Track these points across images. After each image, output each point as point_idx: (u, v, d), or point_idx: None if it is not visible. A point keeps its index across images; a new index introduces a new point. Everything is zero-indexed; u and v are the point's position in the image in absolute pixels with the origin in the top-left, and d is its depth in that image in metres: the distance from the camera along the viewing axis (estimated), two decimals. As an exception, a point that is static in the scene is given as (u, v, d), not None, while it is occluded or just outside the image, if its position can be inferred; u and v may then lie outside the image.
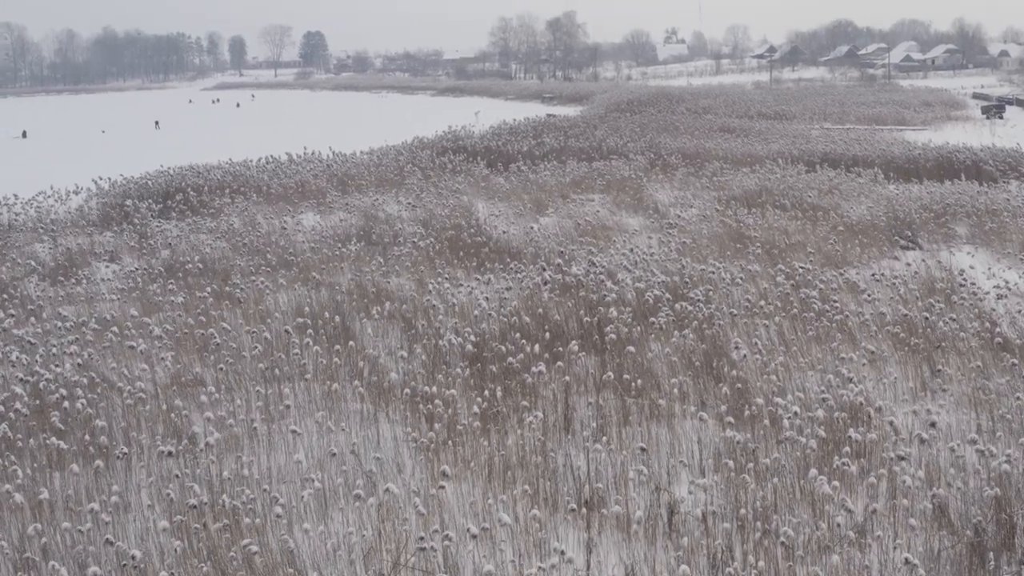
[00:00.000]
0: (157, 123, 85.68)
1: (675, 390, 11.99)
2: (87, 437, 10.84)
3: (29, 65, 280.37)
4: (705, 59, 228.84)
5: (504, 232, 22.45)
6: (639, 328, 14.14)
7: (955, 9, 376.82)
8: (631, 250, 18.84)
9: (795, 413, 10.35)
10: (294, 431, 10.67)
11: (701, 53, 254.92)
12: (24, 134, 77.53)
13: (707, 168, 34.04)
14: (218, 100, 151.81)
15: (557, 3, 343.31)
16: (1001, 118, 67.31)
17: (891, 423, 10.18)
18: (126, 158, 48.58)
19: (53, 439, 10.50)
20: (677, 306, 14.85)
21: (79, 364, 13.05)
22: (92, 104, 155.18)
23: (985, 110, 70.69)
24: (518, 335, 13.46)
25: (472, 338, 13.42)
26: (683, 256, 19.48)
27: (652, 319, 14.20)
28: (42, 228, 25.65)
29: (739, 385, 11.97)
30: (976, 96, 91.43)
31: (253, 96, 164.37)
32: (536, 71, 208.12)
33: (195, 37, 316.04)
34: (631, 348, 12.86)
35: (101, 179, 32.65)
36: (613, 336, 13.28)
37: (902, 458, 9.38)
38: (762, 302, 15.48)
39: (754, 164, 35.13)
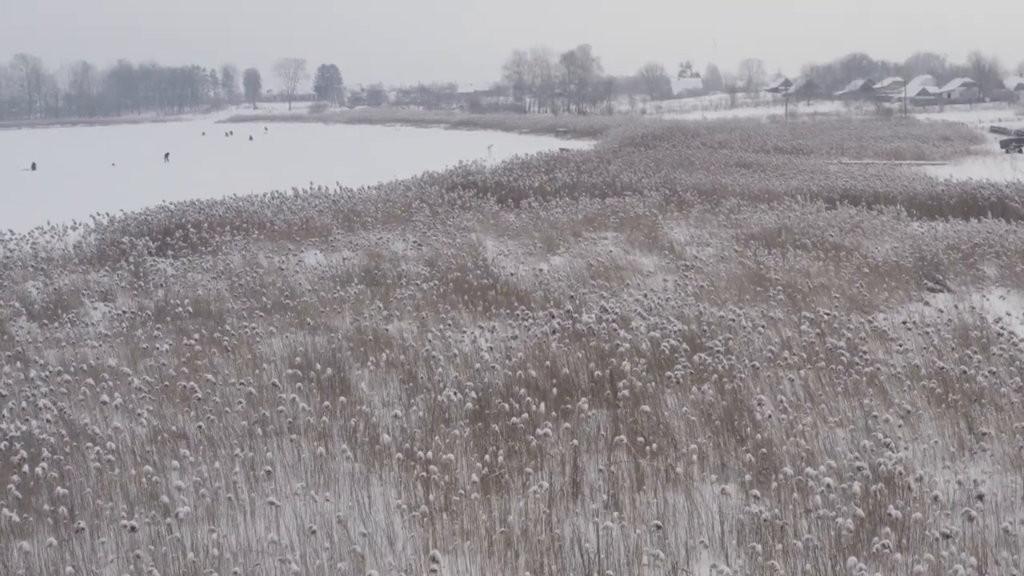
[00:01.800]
0: (167, 156, 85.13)
1: (694, 456, 10.95)
2: (46, 506, 9.86)
3: (44, 97, 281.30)
4: (720, 93, 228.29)
5: (512, 274, 21.44)
6: (654, 383, 13.11)
7: (970, 43, 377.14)
8: (645, 295, 17.79)
9: (828, 486, 9.32)
10: (272, 503, 9.67)
11: (715, 87, 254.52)
12: (33, 166, 77.14)
13: (724, 205, 33.05)
14: (231, 133, 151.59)
15: (571, 37, 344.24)
16: (1021, 152, 66.33)
17: (936, 498, 9.17)
18: (132, 192, 47.86)
19: (4, 510, 9.49)
20: (695, 357, 13.81)
21: (48, 420, 12.05)
22: (105, 136, 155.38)
23: (1004, 144, 69.69)
24: (523, 391, 12.45)
25: (473, 395, 12.38)
26: (700, 300, 18.49)
27: (668, 373, 13.15)
28: (32, 266, 24.73)
29: (763, 449, 10.94)
30: (994, 130, 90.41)
31: (266, 129, 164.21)
32: (550, 104, 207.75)
33: (210, 70, 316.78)
34: (646, 407, 11.81)
35: (99, 214, 31.79)
36: (626, 393, 12.24)
37: (947, 535, 8.38)
38: (785, 352, 14.45)
39: (772, 200, 34.13)
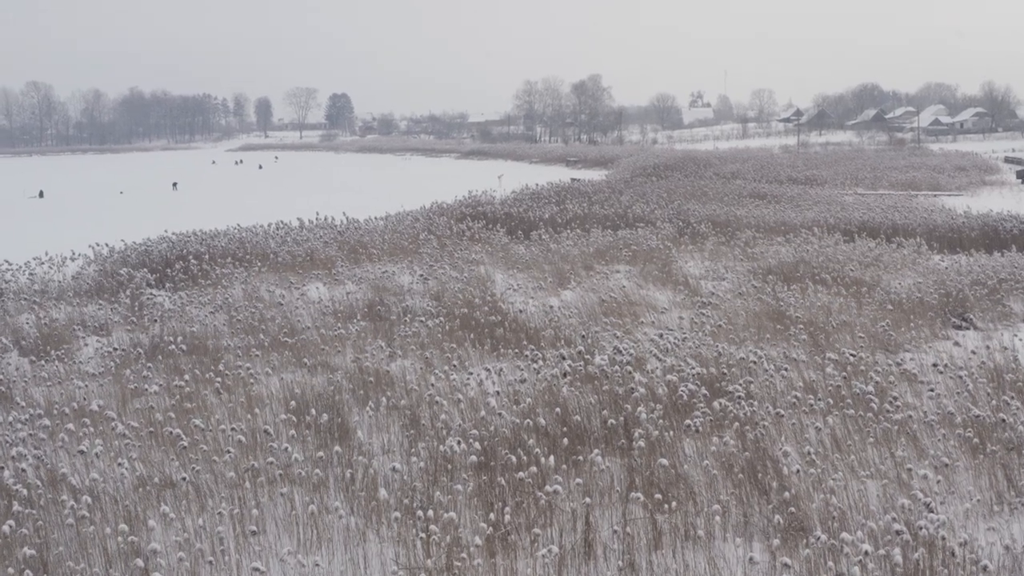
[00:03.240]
0: (175, 184, 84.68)
1: (716, 517, 10.11)
2: (10, 570, 9.06)
3: (55, 124, 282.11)
4: (731, 123, 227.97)
5: (521, 311, 20.60)
6: (671, 431, 12.27)
7: (982, 72, 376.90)
8: (661, 335, 16.92)
9: (866, 553, 8.49)
10: (257, 569, 8.84)
11: (727, 117, 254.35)
12: (41, 194, 76.75)
13: (739, 237, 32.24)
14: (241, 161, 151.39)
15: (583, 66, 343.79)
16: (1038, 181, 65.57)
17: (985, 568, 8.33)
18: (138, 221, 47.37)
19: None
20: (715, 403, 12.95)
21: (23, 469, 11.24)
22: (115, 164, 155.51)
23: (1020, 175, 68.81)
24: (532, 440, 11.62)
25: (478, 446, 11.54)
26: (718, 339, 17.67)
27: (688, 421, 12.30)
28: (24, 299, 23.98)
29: (792, 508, 10.10)
30: (1008, 160, 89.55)
31: (276, 157, 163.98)
32: (561, 134, 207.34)
33: (221, 98, 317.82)
34: (664, 461, 10.96)
35: (98, 245, 31.08)
36: (642, 444, 11.39)
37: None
38: (810, 397, 13.60)
39: (788, 233, 33.31)
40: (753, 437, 12.10)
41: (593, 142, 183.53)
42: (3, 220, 56.12)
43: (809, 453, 11.34)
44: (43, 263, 28.70)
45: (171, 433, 12.34)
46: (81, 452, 11.56)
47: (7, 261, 28.16)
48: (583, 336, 17.55)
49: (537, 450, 11.19)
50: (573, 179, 66.97)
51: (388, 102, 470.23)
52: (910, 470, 10.98)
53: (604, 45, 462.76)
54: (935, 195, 55.65)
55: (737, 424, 12.40)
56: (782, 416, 12.82)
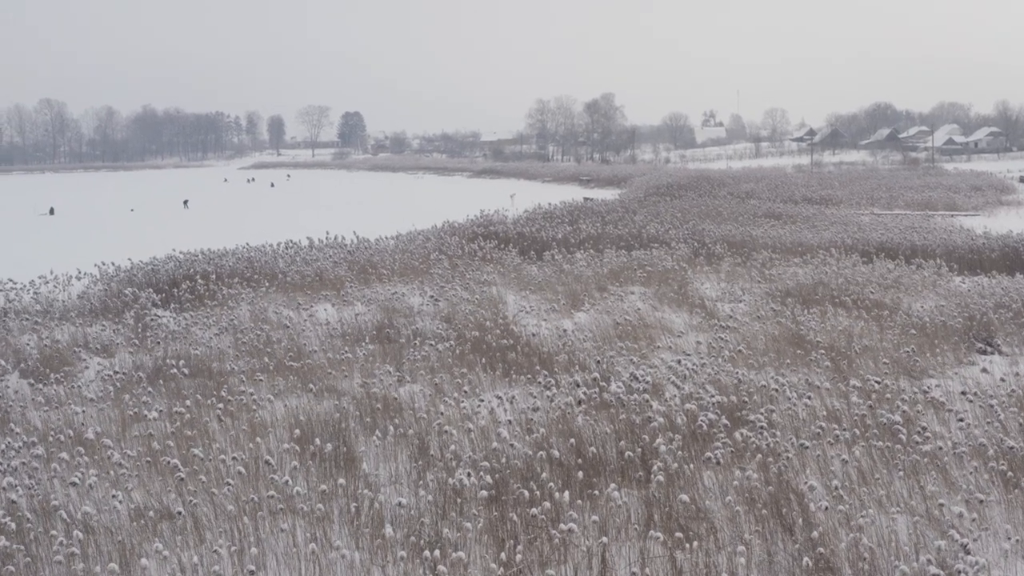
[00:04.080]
0: (186, 202, 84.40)
1: (740, 558, 9.56)
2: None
3: (68, 141, 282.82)
4: (743, 142, 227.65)
5: (534, 334, 20.06)
6: (691, 465, 11.73)
7: (996, 92, 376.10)
8: (679, 360, 16.36)
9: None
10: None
11: (739, 136, 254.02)
12: (52, 211, 76.48)
13: (755, 258, 31.66)
14: (253, 179, 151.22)
15: (595, 85, 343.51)
16: (1055, 202, 64.95)
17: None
18: (147, 239, 47.17)
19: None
20: (737, 434, 12.40)
21: (13, 501, 10.73)
22: (127, 181, 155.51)
23: (1037, 195, 68.28)
24: (545, 474, 11.08)
25: (488, 479, 10.99)
26: (737, 364, 17.12)
27: (708, 453, 11.74)
28: (27, 318, 23.53)
29: (821, 549, 9.55)
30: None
31: (288, 176, 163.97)
32: (573, 153, 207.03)
33: (234, 116, 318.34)
34: (684, 497, 10.41)
35: (104, 263, 30.67)
36: (661, 478, 10.85)
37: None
38: (834, 427, 13.03)
39: (805, 254, 32.73)
40: (776, 470, 11.56)
41: (606, 161, 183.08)
42: (12, 237, 55.91)
43: (836, 488, 10.79)
44: (48, 282, 28.32)
45: (169, 463, 11.82)
46: (72, 484, 11.04)
47: (11, 280, 27.77)
48: (598, 361, 17.03)
49: (551, 484, 10.67)
50: (586, 198, 66.51)
51: (400, 121, 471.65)
52: (942, 506, 10.45)
53: (617, 64, 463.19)
54: (952, 215, 55.02)
55: (760, 456, 11.86)
56: (806, 447, 12.27)
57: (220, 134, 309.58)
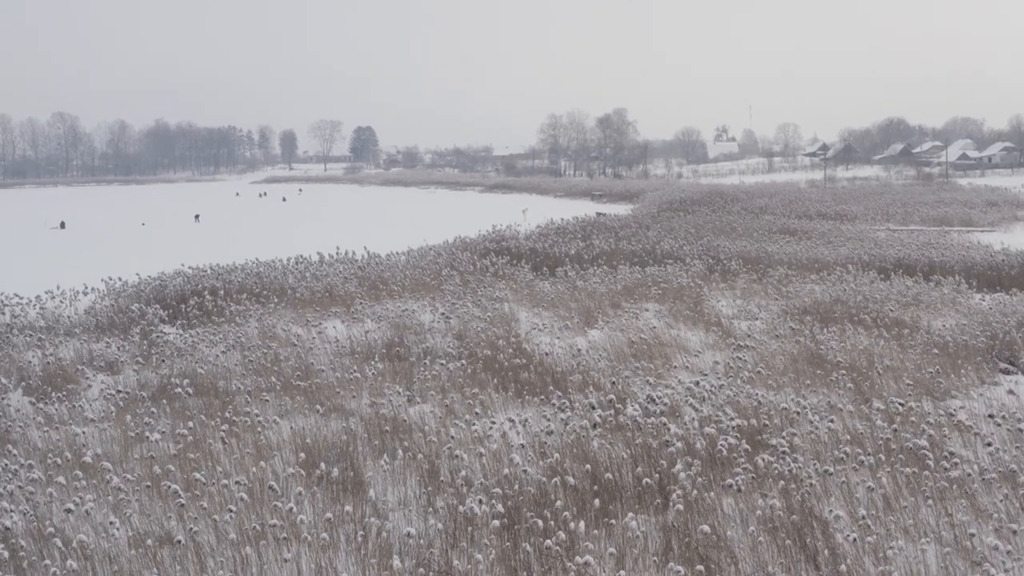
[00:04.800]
0: (197, 216, 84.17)
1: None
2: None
3: (81, 155, 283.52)
4: (756, 157, 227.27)
5: (547, 353, 19.62)
6: (712, 493, 11.28)
7: (1009, 107, 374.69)
8: (697, 382, 15.89)
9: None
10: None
11: (752, 151, 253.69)
12: (62, 225, 76.27)
13: (771, 275, 31.20)
14: (265, 194, 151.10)
15: (607, 100, 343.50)
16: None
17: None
18: (157, 253, 46.88)
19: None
20: (758, 459, 11.94)
21: (6, 527, 10.33)
22: (139, 195, 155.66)
23: (1054, 210, 67.68)
24: (559, 502, 10.65)
25: (500, 507, 10.55)
26: (755, 384, 16.69)
27: (729, 481, 11.27)
28: (30, 334, 23.18)
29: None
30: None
31: (300, 190, 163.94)
32: (586, 168, 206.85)
33: (246, 130, 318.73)
34: (705, 528, 9.96)
35: (111, 279, 30.33)
36: (680, 507, 10.41)
37: None
38: (858, 451, 12.57)
39: (821, 270, 32.29)
40: (799, 497, 11.11)
41: (618, 176, 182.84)
42: (22, 251, 55.67)
43: (863, 517, 10.35)
44: (54, 297, 27.98)
45: (169, 488, 11.40)
46: (68, 511, 10.63)
47: (17, 294, 27.43)
48: (613, 382, 16.59)
49: (566, 513, 10.23)
50: (598, 213, 66.17)
51: (413, 135, 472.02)
52: (972, 535, 10.01)
53: (629, 80, 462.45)
54: (968, 231, 54.55)
55: (782, 482, 11.41)
56: (830, 474, 11.82)
57: (232, 148, 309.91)
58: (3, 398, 17.31)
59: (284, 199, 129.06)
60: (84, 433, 14.59)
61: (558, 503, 10.66)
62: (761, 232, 47.22)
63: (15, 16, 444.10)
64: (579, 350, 19.88)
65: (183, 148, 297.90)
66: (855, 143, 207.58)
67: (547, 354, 19.46)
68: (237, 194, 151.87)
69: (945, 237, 47.37)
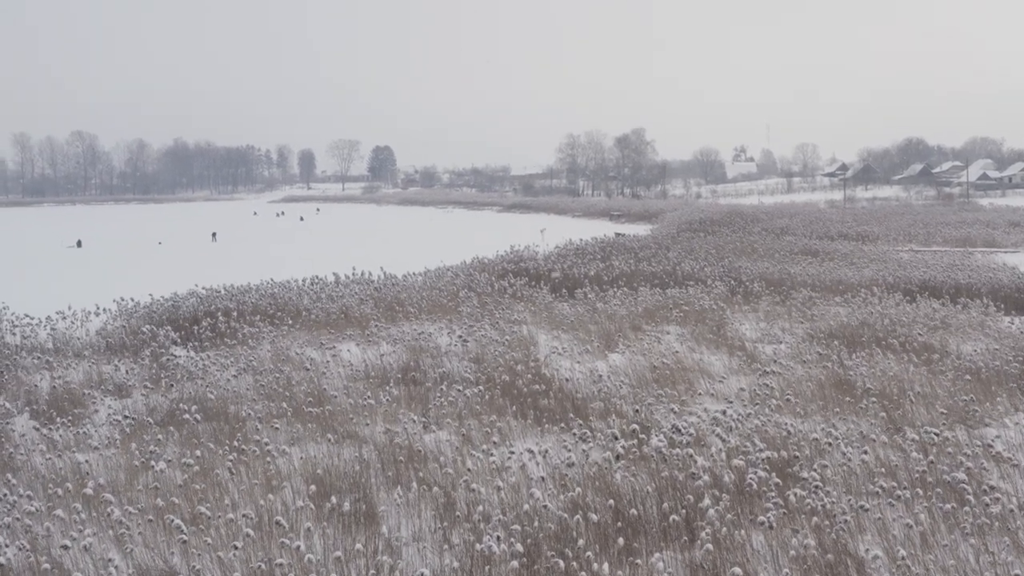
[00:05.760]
0: (214, 235, 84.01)
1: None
2: None
3: (99, 174, 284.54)
4: (774, 177, 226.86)
5: (568, 379, 19.06)
6: (742, 531, 10.71)
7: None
8: (724, 411, 15.28)
9: None
10: None
11: (770, 171, 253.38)
12: (79, 243, 76.16)
13: (794, 296, 30.62)
14: (283, 213, 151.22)
15: (625, 120, 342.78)
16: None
17: None
18: (173, 272, 46.58)
19: None
20: (790, 494, 11.35)
21: (1, 563, 9.83)
22: (157, 214, 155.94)
23: (1078, 232, 66.90)
24: (581, 541, 10.09)
25: (520, 546, 9.99)
26: (782, 412, 16.12)
27: (761, 517, 10.68)
28: (39, 356, 22.75)
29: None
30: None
31: (318, 209, 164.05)
32: (604, 188, 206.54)
33: (264, 150, 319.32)
34: (738, 570, 9.37)
35: (123, 299, 29.90)
36: (710, 547, 9.84)
37: None
38: (893, 485, 11.97)
39: (845, 292, 31.68)
40: (833, 535, 10.54)
41: (636, 196, 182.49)
42: (37, 270, 55.45)
43: (902, 557, 9.77)
44: (66, 318, 27.56)
45: (172, 522, 10.87)
46: (64, 547, 10.12)
47: (27, 315, 27.03)
48: (636, 410, 16.04)
49: (589, 553, 9.68)
50: (617, 233, 65.66)
51: (431, 155, 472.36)
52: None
53: (647, 99, 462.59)
54: (992, 252, 53.93)
55: (815, 519, 10.83)
56: (866, 510, 11.24)
57: (251, 167, 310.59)
58: (7, 423, 16.88)
59: (302, 218, 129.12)
60: (87, 462, 14.11)
61: (580, 542, 10.10)
62: (783, 253, 46.65)
63: (34, 35, 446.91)
64: (600, 376, 19.31)
65: (201, 167, 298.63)
66: (874, 163, 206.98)
67: (567, 380, 18.90)
68: (255, 213, 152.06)
69: (969, 258, 46.74)
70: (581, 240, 52.33)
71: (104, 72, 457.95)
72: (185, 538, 10.35)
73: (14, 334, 25.62)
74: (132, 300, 29.84)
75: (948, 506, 11.26)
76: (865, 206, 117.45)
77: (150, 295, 30.63)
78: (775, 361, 20.81)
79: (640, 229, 78.06)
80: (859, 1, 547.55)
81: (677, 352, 22.14)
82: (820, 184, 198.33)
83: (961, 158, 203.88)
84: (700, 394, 18.62)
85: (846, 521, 10.82)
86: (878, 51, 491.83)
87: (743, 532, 10.72)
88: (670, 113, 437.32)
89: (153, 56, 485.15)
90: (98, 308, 29.00)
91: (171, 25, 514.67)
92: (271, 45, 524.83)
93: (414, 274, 37.34)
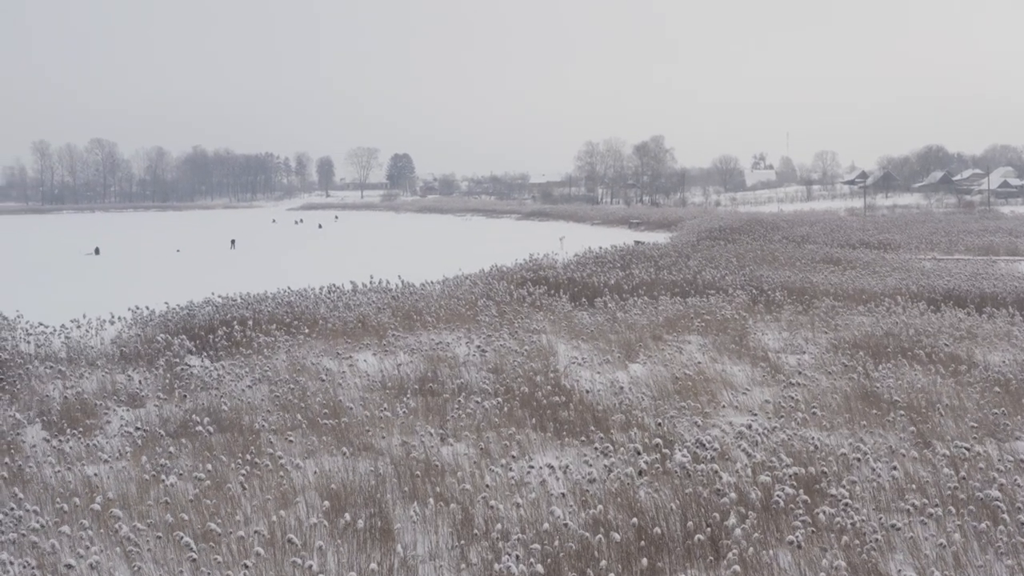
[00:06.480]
0: (233, 243, 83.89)
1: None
2: None
3: (119, 181, 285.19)
4: (794, 185, 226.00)
5: (588, 391, 18.69)
6: (770, 551, 10.34)
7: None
8: (749, 425, 14.89)
9: None
10: None
11: (789, 179, 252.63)
12: (97, 251, 76.06)
13: (817, 305, 30.20)
14: (301, 220, 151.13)
15: (644, 127, 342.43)
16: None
17: None
18: (190, 280, 46.37)
19: None
20: (819, 512, 10.96)
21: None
22: (175, 221, 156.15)
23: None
24: (604, 562, 9.74)
25: (540, 567, 9.64)
26: (807, 425, 15.74)
27: (790, 538, 10.31)
28: (51, 365, 22.50)
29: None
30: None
31: (336, 217, 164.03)
32: (623, 195, 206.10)
33: (283, 157, 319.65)
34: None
35: (138, 308, 29.66)
36: (737, 568, 9.47)
37: None
38: (924, 501, 11.58)
39: (869, 301, 31.25)
40: (863, 554, 10.17)
41: (655, 204, 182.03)
42: (54, 277, 55.33)
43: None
44: (80, 326, 27.31)
45: (181, 539, 10.56)
46: (68, 567, 9.80)
47: (42, 323, 26.80)
48: (658, 423, 15.67)
49: (612, 574, 9.33)
50: (637, 241, 65.35)
51: (449, 163, 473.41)
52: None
53: (666, 106, 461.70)
54: (1015, 260, 53.39)
55: (845, 538, 10.46)
56: (898, 528, 10.86)
57: (269, 175, 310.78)
58: (18, 433, 16.63)
59: (320, 226, 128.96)
60: (97, 475, 13.82)
61: (603, 563, 9.75)
62: (804, 261, 46.19)
63: (53, 42, 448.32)
64: (621, 387, 18.95)
65: (220, 175, 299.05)
66: (894, 171, 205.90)
67: (587, 391, 18.55)
68: (273, 221, 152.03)
69: (993, 267, 46.25)
70: (600, 248, 52.00)
71: (123, 81, 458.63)
72: (195, 556, 10.03)
73: (28, 342, 25.39)
74: (147, 308, 29.61)
75: (982, 524, 10.89)
76: (885, 214, 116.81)
77: (165, 303, 30.39)
78: (799, 372, 20.42)
79: (659, 237, 77.71)
80: (879, 10, 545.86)
81: (699, 363, 21.77)
82: (840, 192, 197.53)
83: (981, 165, 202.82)
84: (723, 406, 18.26)
85: (876, 540, 10.46)
86: (897, 59, 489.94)
87: (770, 552, 10.35)
88: (689, 121, 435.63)
89: (171, 66, 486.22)
90: (113, 316, 28.74)
91: (189, 37, 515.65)
92: (289, 57, 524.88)
93: (432, 282, 37.04)
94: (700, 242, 61.99)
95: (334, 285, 35.12)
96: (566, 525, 10.73)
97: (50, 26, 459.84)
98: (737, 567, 9.46)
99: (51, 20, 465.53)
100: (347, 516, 11.42)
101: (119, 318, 28.66)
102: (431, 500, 12.28)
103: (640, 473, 12.42)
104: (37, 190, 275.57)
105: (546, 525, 10.78)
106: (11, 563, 10.03)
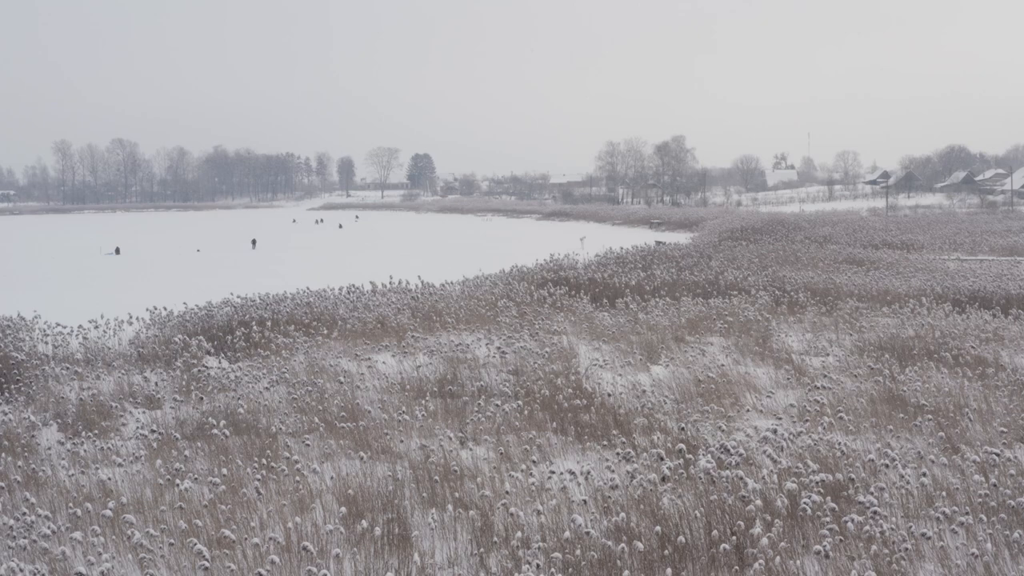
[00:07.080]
0: (254, 242, 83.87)
1: None
2: None
3: (140, 181, 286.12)
4: (815, 185, 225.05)
5: (609, 394, 18.41)
6: (797, 560, 10.07)
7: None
8: (775, 431, 14.58)
9: None
10: None
11: (811, 179, 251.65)
12: (117, 251, 76.17)
13: (840, 307, 29.88)
14: (322, 220, 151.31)
15: (665, 127, 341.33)
16: None
17: None
18: (209, 280, 46.31)
19: None
20: (848, 521, 10.68)
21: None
22: (196, 221, 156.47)
23: None
24: (627, 573, 9.48)
25: (561, 577, 9.42)
26: (834, 429, 15.44)
27: (817, 547, 10.03)
28: (67, 366, 22.34)
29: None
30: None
31: (357, 217, 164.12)
32: (643, 195, 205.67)
33: (304, 157, 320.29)
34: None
35: (156, 308, 29.50)
36: (765, 578, 9.21)
37: None
38: (954, 509, 11.28)
39: (893, 303, 30.90)
40: (893, 564, 9.89)
41: (676, 204, 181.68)
42: (74, 277, 55.38)
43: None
44: (98, 327, 27.14)
45: (195, 547, 10.34)
46: (80, 575, 9.59)
47: (60, 324, 26.63)
48: (681, 427, 15.40)
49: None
50: (658, 242, 65.09)
51: (470, 163, 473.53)
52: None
53: (687, 106, 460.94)
54: (1040, 261, 52.90)
55: (874, 547, 10.18)
56: (928, 537, 10.58)
57: (290, 175, 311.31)
58: (33, 436, 16.45)
59: (340, 226, 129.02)
60: (111, 478, 13.62)
61: (626, 572, 9.49)
62: (827, 262, 45.87)
63: (75, 43, 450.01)
64: (643, 390, 18.69)
65: (241, 175, 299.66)
66: (916, 171, 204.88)
67: (609, 394, 18.27)
68: (294, 221, 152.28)
69: (1018, 267, 45.80)
70: (621, 248, 51.73)
71: (143, 85, 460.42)
72: (207, 564, 9.81)
73: (46, 343, 25.25)
74: (165, 309, 29.46)
75: (1015, 534, 10.61)
76: (908, 214, 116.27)
77: (184, 303, 30.23)
78: (824, 375, 20.10)
79: (681, 237, 77.45)
80: (901, 10, 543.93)
81: (722, 365, 21.49)
82: (862, 192, 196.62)
83: (1004, 165, 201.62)
84: (747, 409, 17.96)
85: (906, 549, 10.18)
86: (919, 59, 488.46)
87: (797, 561, 10.09)
88: (710, 121, 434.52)
89: (190, 69, 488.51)
90: (131, 317, 28.58)
91: (207, 40, 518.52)
92: (307, 60, 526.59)
93: (452, 283, 36.82)
94: (722, 242, 61.73)
95: (353, 285, 34.93)
96: (588, 533, 10.48)
97: (70, 30, 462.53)
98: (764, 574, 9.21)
99: (71, 24, 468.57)
100: (364, 522, 11.20)
101: (137, 318, 28.49)
102: (450, 506, 12.05)
103: (663, 479, 12.15)
104: (59, 190, 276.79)
105: (567, 533, 10.52)
106: (21, 570, 9.83)
